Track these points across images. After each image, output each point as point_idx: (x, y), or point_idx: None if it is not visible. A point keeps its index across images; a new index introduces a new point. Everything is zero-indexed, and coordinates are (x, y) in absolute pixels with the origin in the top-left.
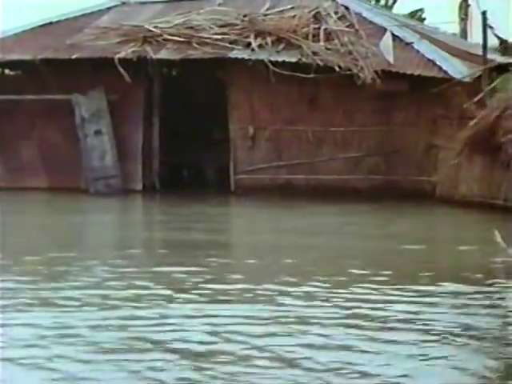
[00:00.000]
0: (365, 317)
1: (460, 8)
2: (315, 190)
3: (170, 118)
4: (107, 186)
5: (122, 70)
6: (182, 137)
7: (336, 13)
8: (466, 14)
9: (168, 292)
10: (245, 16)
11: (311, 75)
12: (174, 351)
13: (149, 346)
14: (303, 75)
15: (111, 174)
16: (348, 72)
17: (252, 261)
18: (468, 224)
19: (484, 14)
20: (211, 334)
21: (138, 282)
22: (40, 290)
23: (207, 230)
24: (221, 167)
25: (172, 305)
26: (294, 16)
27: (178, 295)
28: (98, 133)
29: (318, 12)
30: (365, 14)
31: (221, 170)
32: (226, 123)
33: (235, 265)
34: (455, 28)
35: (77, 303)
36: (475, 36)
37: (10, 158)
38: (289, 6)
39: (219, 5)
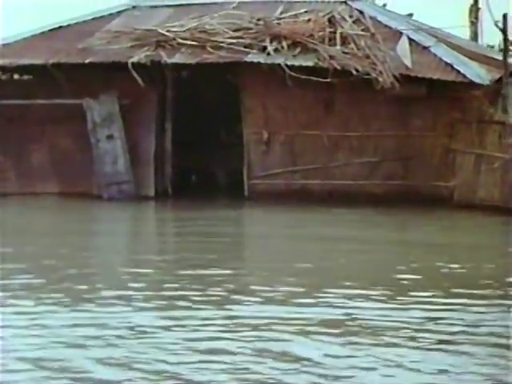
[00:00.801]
0: None
1: (470, 11)
2: (331, 195)
3: (181, 122)
4: (120, 191)
5: (135, 74)
6: (194, 141)
7: (351, 16)
8: (477, 18)
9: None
10: (259, 20)
11: (328, 79)
12: None
13: None
14: (320, 79)
15: (124, 180)
16: (366, 76)
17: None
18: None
19: (505, 16)
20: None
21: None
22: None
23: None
24: (233, 172)
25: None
26: (308, 20)
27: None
28: (110, 137)
29: (333, 16)
30: (379, 17)
31: (233, 174)
32: (238, 127)
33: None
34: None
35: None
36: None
37: (20, 163)
38: (302, 10)
39: (233, 8)
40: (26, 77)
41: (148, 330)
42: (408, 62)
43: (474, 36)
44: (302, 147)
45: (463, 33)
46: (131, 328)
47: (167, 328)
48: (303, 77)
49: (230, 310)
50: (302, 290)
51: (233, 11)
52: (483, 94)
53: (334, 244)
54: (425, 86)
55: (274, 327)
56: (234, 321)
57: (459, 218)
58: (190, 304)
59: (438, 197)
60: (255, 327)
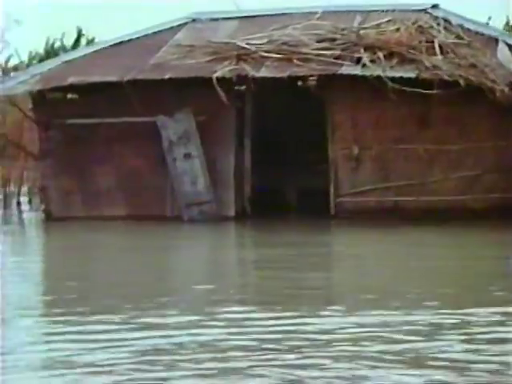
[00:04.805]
0: None
1: None
2: (426, 212)
3: (258, 138)
4: (200, 212)
5: (219, 90)
6: (271, 159)
7: (438, 25)
8: None
9: None
10: (343, 30)
11: (434, 91)
12: None
13: None
14: (426, 91)
15: (204, 200)
16: (482, 86)
17: None
18: None
19: None
20: None
21: None
22: None
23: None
24: (314, 190)
25: None
26: (397, 29)
27: None
28: (187, 156)
29: (420, 25)
30: (466, 25)
31: (313, 192)
32: (319, 143)
33: None
34: None
35: None
36: None
37: (86, 185)
38: (385, 19)
39: (318, 19)
40: (72, 95)
41: None
42: None
43: None
44: (394, 162)
45: None
46: None
47: None
48: (408, 89)
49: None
50: None
51: (314, 21)
52: None
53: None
54: None
55: None
56: None
57: None
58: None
59: None
60: None
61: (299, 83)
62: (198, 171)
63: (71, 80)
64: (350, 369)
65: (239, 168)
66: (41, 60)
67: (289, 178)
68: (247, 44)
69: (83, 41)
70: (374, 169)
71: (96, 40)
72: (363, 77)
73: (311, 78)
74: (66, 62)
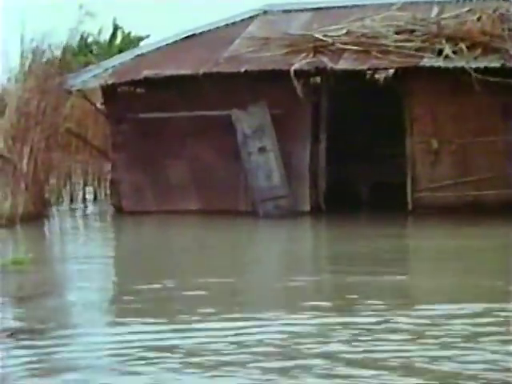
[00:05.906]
0: None
1: None
2: (508, 206)
3: (331, 132)
4: (276, 207)
5: (296, 83)
6: (345, 153)
7: None
8: None
9: None
10: (422, 20)
11: None
12: None
13: None
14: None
15: (280, 195)
16: None
17: None
18: None
19: None
20: None
21: None
22: None
23: None
24: (388, 184)
25: None
26: (478, 19)
27: None
28: (262, 150)
29: (502, 13)
30: None
31: (387, 187)
32: (394, 136)
33: None
34: None
35: None
36: None
37: (158, 179)
38: (465, 9)
39: (397, 9)
40: (141, 89)
41: None
42: None
43: None
44: (475, 156)
45: None
46: None
47: None
48: (492, 79)
49: None
50: None
51: (393, 12)
52: None
53: None
54: None
55: None
56: None
57: None
58: None
59: None
60: None
61: (368, 76)
62: (273, 165)
63: (145, 73)
64: None
65: (314, 162)
66: (74, 55)
67: (362, 172)
68: (324, 36)
69: (119, 35)
70: (453, 163)
71: (132, 34)
72: (444, 69)
73: (380, 71)
74: (139, 55)
